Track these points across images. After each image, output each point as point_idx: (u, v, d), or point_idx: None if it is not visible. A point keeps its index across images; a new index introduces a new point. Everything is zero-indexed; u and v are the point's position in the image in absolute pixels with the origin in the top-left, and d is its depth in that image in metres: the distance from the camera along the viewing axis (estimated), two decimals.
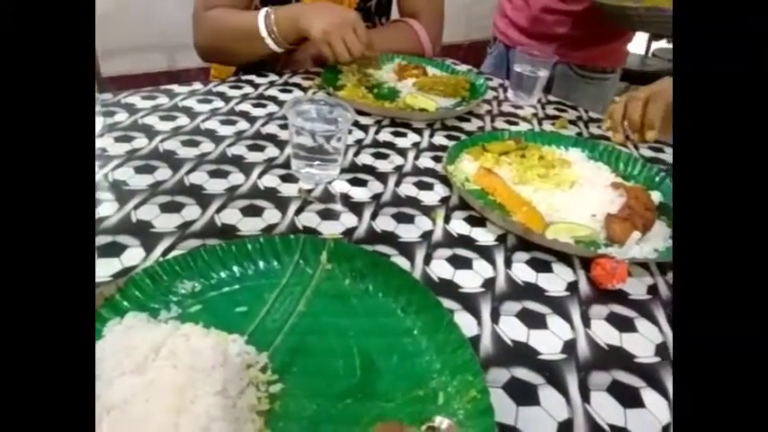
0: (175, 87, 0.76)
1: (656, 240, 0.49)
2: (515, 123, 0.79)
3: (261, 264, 0.40)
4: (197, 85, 0.78)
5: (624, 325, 0.41)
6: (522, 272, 0.45)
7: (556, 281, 0.45)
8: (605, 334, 0.40)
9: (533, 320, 0.40)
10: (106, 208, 0.47)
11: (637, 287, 0.45)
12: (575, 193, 0.56)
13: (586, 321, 0.41)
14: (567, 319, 0.41)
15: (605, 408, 0.34)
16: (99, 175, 0.52)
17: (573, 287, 0.44)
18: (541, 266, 0.46)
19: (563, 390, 0.34)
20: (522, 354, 0.37)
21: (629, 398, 0.35)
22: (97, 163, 0.54)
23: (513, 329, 0.39)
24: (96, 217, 0.45)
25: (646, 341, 0.40)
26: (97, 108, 0.60)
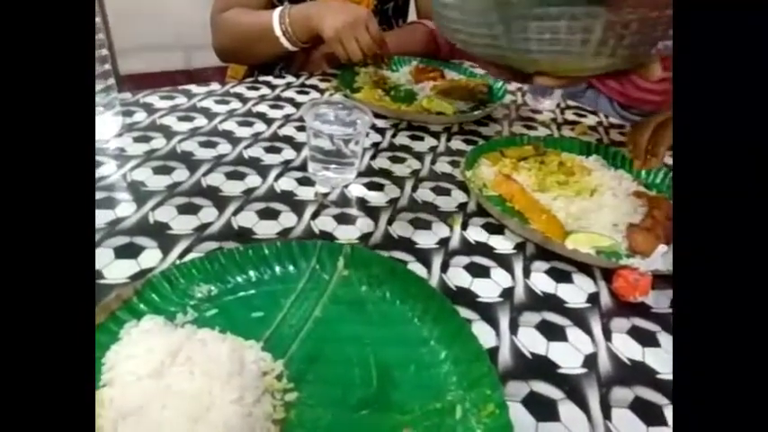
0: (193, 88, 0.76)
1: None
2: (534, 128, 0.78)
3: (277, 268, 0.40)
4: (214, 86, 0.78)
5: (647, 339, 0.40)
6: (541, 282, 0.44)
7: (576, 292, 0.44)
8: (627, 348, 0.39)
9: (553, 332, 0.39)
10: (124, 209, 0.47)
11: (659, 300, 0.44)
12: (595, 202, 0.55)
13: (607, 335, 0.40)
14: (588, 331, 0.40)
15: (628, 425, 0.33)
16: (117, 175, 0.52)
17: (594, 299, 0.43)
18: (561, 277, 0.45)
19: (584, 406, 0.33)
20: (541, 367, 0.36)
21: (652, 416, 0.34)
22: (116, 163, 0.54)
23: (532, 341, 0.38)
24: (114, 218, 0.45)
25: (669, 357, 0.38)
26: (116, 108, 0.60)
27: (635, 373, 0.37)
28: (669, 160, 0.72)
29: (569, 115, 0.85)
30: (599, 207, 0.54)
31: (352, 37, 0.77)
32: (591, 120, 0.84)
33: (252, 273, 0.39)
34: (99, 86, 0.56)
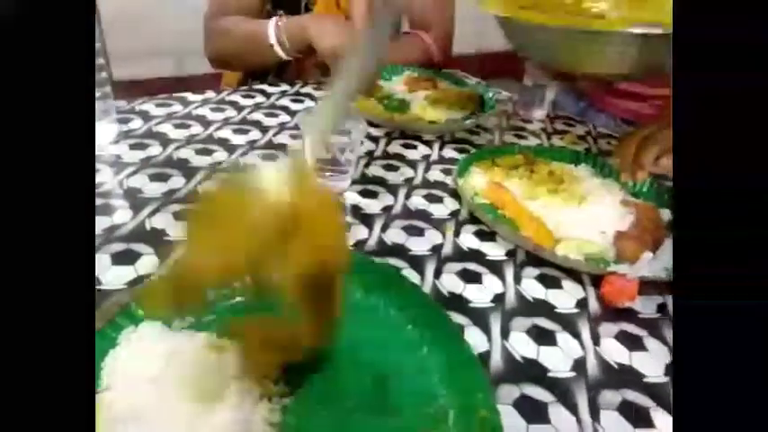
0: (189, 95, 0.77)
1: (666, 259, 0.49)
2: (524, 137, 0.80)
3: None
4: (210, 94, 0.79)
5: (634, 344, 0.41)
6: (531, 288, 0.45)
7: (565, 297, 0.45)
8: (615, 352, 0.40)
9: (543, 337, 0.40)
10: (121, 215, 0.47)
11: (646, 305, 0.45)
12: (584, 210, 0.56)
13: (596, 339, 0.41)
14: (577, 336, 0.41)
15: (615, 428, 0.34)
16: (114, 182, 0.52)
17: (582, 304, 0.44)
18: (551, 283, 0.46)
19: (573, 408, 0.34)
20: (532, 371, 0.37)
21: (639, 418, 0.35)
22: (112, 170, 0.55)
23: (523, 346, 0.39)
24: (111, 224, 0.46)
25: (655, 360, 0.40)
26: (113, 115, 0.61)
27: (623, 376, 0.38)
28: (654, 169, 0.74)
29: (558, 125, 0.86)
30: (588, 215, 0.55)
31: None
32: (580, 129, 0.86)
33: (247, 279, 0.40)
34: (95, 94, 0.56)
